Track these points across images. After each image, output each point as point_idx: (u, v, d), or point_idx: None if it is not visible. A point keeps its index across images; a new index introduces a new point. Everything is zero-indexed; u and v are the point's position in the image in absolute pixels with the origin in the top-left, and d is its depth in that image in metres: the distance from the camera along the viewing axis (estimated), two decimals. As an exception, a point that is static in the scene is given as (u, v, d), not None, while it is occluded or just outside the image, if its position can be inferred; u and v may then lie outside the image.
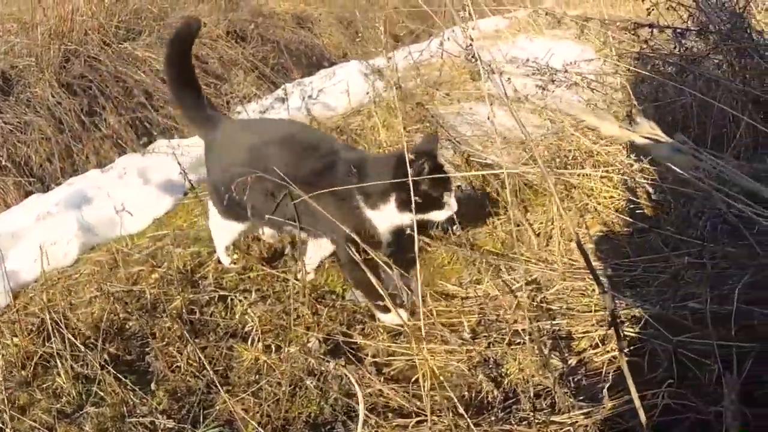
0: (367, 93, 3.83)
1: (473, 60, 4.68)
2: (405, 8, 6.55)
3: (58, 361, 2.09)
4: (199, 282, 2.50)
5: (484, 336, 2.09)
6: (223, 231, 2.53)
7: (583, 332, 2.03)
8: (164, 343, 2.17)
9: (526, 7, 5.80)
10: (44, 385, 2.10)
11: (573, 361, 1.93)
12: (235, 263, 2.59)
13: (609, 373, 1.84)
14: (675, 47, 3.20)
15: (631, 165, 2.75)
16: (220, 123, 2.50)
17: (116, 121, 4.38)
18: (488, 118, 1.94)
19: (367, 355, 2.08)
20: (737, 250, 2.00)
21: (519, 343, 2.01)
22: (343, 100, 4.31)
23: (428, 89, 4.13)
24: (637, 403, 1.31)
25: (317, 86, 4.67)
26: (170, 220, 3.13)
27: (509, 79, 4.00)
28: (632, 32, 3.36)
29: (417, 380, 1.89)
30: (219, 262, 2.60)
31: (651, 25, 3.18)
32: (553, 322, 2.10)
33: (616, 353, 1.78)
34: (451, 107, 3.98)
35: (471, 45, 2.10)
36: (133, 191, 3.34)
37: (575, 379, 1.85)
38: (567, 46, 4.57)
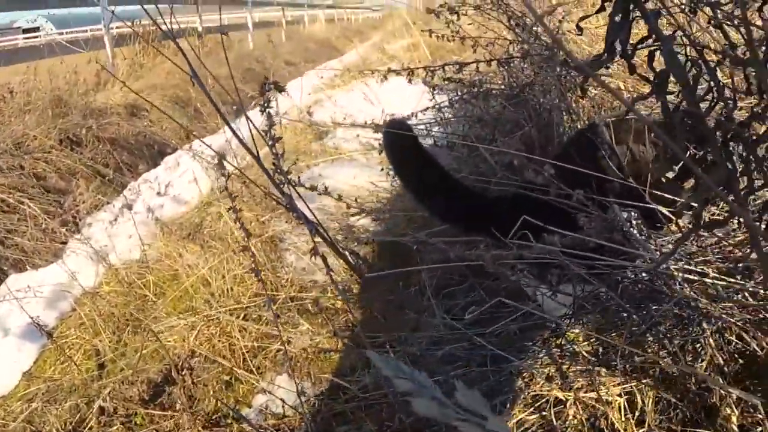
0: (212, 186, 3.82)
1: (314, 125, 4.82)
2: (238, 73, 6.58)
3: None
4: (85, 445, 2.42)
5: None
6: None
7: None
8: None
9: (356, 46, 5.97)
10: None
11: None
12: None
13: None
14: (503, 79, 3.40)
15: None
16: None
17: (-40, 267, 4.11)
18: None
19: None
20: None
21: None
22: (194, 190, 4.27)
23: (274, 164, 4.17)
24: None
25: (164, 180, 4.60)
26: (41, 372, 2.99)
27: (358, 135, 4.14)
28: (457, 72, 3.50)
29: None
30: (101, 413, 2.51)
31: (475, 61, 3.34)
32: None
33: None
34: (303, 176, 4.04)
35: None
36: (-8, 349, 3.17)
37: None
38: (401, 88, 4.74)
